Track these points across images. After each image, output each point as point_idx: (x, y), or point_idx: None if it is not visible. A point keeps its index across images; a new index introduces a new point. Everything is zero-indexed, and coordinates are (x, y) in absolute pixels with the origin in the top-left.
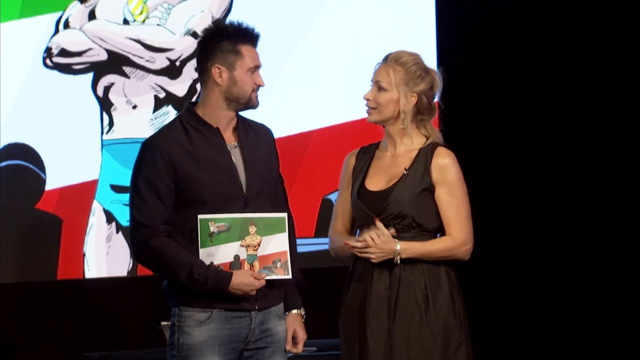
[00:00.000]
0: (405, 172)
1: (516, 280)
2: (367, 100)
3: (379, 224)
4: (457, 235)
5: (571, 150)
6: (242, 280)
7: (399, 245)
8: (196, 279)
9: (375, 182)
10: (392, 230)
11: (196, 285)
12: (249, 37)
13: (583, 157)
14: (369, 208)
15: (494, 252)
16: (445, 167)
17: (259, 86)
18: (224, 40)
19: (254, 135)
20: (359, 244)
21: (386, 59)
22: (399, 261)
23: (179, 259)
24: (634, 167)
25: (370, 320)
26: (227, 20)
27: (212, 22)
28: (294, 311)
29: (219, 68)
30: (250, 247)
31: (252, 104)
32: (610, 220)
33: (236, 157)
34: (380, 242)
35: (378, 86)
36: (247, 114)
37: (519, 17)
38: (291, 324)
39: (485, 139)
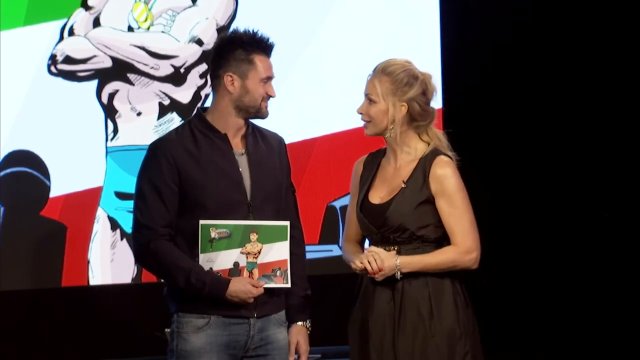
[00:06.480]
0: (403, 185)
1: (519, 284)
2: (361, 114)
3: (372, 247)
4: (460, 244)
5: (573, 150)
6: (239, 287)
7: (398, 260)
8: (193, 284)
9: (378, 194)
10: (392, 249)
11: (193, 290)
12: (263, 46)
13: (585, 156)
14: (370, 221)
15: (495, 257)
16: (443, 177)
17: (269, 96)
18: (238, 49)
19: (265, 144)
20: (357, 268)
21: (374, 70)
22: (399, 276)
23: (177, 264)
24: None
25: (372, 334)
26: (242, 29)
27: (221, 30)
28: (299, 323)
29: (231, 76)
30: (251, 254)
31: (261, 113)
32: (614, 223)
33: (243, 164)
34: (377, 264)
35: (368, 99)
36: (256, 121)
37: (523, 19)
38: (295, 336)
39: (490, 141)
